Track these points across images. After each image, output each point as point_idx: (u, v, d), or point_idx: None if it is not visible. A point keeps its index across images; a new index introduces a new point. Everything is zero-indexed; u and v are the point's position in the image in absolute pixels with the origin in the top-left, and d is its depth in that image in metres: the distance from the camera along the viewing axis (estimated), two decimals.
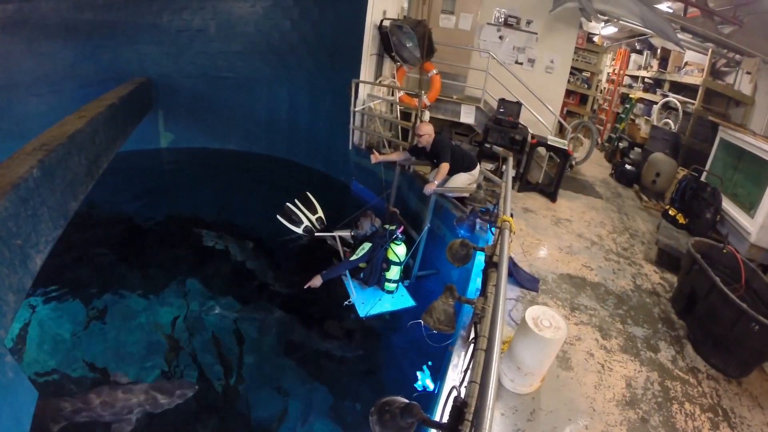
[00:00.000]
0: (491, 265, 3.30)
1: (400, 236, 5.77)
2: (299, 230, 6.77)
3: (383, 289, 5.89)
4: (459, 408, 2.07)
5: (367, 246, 5.79)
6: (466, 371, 2.66)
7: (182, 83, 9.68)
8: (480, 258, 4.43)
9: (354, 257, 5.86)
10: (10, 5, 7.97)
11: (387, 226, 5.90)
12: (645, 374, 3.98)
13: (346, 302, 5.79)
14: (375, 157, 6.66)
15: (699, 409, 3.66)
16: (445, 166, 5.88)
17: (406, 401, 2.14)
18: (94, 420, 4.16)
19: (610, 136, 13.02)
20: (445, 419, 2.13)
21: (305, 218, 6.80)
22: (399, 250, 5.71)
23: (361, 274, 5.92)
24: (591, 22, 9.80)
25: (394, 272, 5.78)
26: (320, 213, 6.99)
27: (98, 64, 8.88)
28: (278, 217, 6.77)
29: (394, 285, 5.89)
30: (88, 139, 5.35)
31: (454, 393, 2.21)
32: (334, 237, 6.76)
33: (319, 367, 5.24)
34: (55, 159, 4.29)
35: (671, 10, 8.99)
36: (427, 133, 6.12)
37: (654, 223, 7.51)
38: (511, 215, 3.89)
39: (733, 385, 4.05)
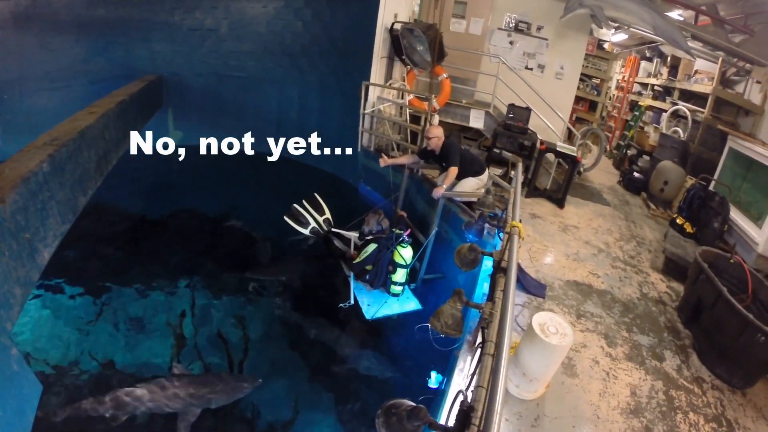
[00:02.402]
0: (499, 270, 3.31)
1: (407, 239, 5.76)
2: (306, 231, 6.80)
3: (389, 292, 5.89)
4: (465, 412, 2.08)
5: (371, 248, 5.81)
6: (472, 375, 2.67)
7: (193, 82, 9.72)
8: (487, 263, 4.44)
9: (358, 260, 5.89)
10: (23, 0, 8.06)
11: (395, 230, 5.92)
12: (650, 383, 3.98)
13: (342, 304, 5.82)
14: (384, 161, 6.68)
15: (703, 419, 3.67)
16: (453, 170, 5.86)
17: (413, 404, 2.15)
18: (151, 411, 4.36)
19: (619, 143, 12.97)
20: (451, 423, 2.14)
21: (312, 219, 6.83)
22: (405, 253, 5.71)
23: (367, 276, 5.93)
24: (602, 28, 9.78)
25: (400, 275, 5.78)
26: (327, 214, 7.01)
27: (110, 60, 8.94)
28: (285, 218, 6.80)
29: (400, 288, 5.89)
30: (99, 135, 5.39)
31: (461, 397, 2.23)
32: (344, 237, 6.77)
33: (323, 368, 5.25)
34: (66, 154, 4.32)
35: (682, 18, 9.00)
36: (436, 135, 6.11)
37: (661, 232, 7.50)
38: (519, 221, 3.90)
39: (737, 395, 4.04)
